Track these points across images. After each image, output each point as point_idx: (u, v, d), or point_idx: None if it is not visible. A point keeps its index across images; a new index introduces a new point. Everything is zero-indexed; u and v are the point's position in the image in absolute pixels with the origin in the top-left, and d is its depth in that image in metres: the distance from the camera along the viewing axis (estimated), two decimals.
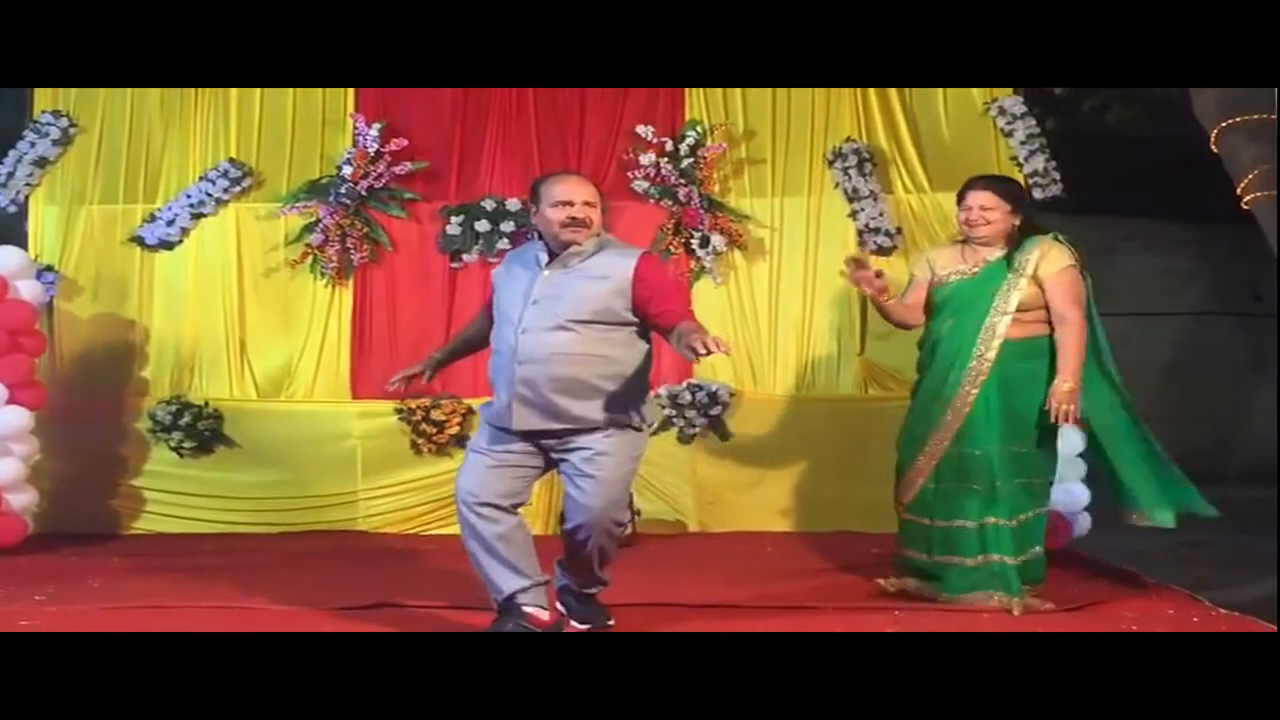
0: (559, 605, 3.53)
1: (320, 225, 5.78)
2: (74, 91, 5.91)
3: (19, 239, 5.69)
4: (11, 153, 5.82)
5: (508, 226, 5.73)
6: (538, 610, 3.32)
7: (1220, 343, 8.37)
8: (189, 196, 5.82)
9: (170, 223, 5.81)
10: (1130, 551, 4.61)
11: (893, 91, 5.89)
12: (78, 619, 3.71)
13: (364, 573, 4.53)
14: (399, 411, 5.53)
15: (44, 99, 5.92)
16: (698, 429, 5.59)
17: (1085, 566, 4.51)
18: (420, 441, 5.55)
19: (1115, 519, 3.98)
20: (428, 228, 5.91)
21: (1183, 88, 5.90)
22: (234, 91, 5.91)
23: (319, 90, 5.90)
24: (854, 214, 5.80)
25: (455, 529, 3.43)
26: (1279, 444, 6.20)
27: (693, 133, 5.82)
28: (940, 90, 5.86)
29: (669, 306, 3.31)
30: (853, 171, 5.78)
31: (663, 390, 5.49)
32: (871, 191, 5.77)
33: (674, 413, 5.54)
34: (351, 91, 5.91)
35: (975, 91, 5.83)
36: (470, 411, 5.50)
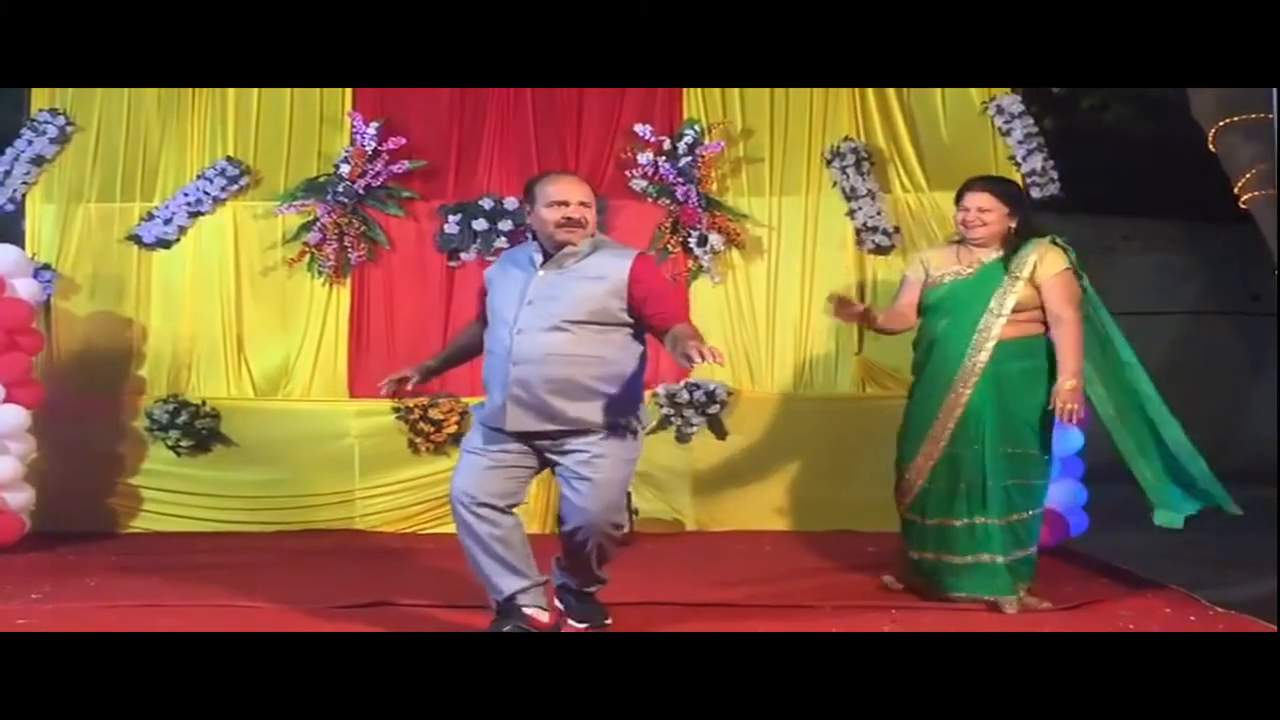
0: (557, 602, 3.53)
1: (318, 224, 5.78)
2: (71, 90, 5.91)
3: (16, 237, 5.70)
4: (9, 151, 5.82)
5: (505, 225, 5.73)
6: (537, 611, 3.32)
7: (1218, 342, 8.37)
8: (186, 195, 5.82)
9: (168, 221, 5.81)
10: (1127, 550, 4.61)
11: (890, 90, 5.90)
12: (74, 617, 3.70)
13: (361, 571, 4.53)
14: (396, 410, 5.53)
15: (41, 97, 5.92)
16: (696, 428, 5.59)
17: (1082, 565, 4.52)
18: (418, 440, 5.55)
19: (1114, 517, 3.99)
20: (425, 226, 5.91)
21: (1181, 87, 5.90)
22: (231, 90, 5.91)
23: (317, 89, 5.90)
24: (852, 213, 5.80)
25: (452, 528, 3.42)
26: (1278, 443, 6.19)
27: (691, 131, 5.82)
28: (938, 89, 5.85)
29: (665, 308, 3.31)
30: (850, 170, 5.78)
31: (661, 389, 5.49)
32: (869, 190, 5.77)
33: (672, 412, 5.53)
34: (349, 90, 5.91)
35: (973, 90, 5.83)
36: (468, 411, 5.50)
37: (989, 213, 3.84)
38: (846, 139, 5.86)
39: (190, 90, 5.89)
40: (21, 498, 5.07)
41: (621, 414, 3.28)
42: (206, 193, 5.82)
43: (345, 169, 5.79)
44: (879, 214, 5.76)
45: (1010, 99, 5.75)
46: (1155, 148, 7.52)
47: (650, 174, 5.80)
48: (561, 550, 3.46)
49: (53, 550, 5.00)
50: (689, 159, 5.78)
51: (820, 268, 5.84)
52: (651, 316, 3.29)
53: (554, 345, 3.21)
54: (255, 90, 5.91)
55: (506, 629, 3.29)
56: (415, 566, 4.66)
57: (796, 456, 5.57)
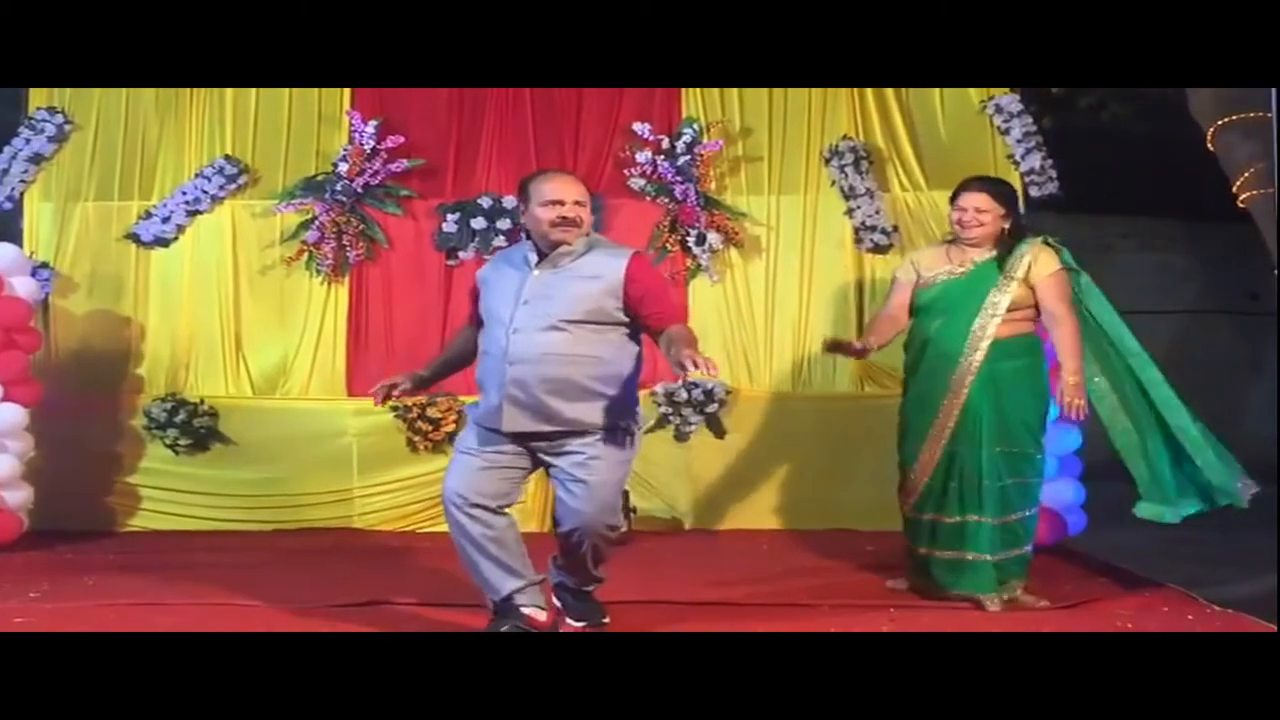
0: (555, 600, 3.52)
1: (316, 222, 5.78)
2: (69, 88, 5.90)
3: (14, 236, 5.69)
4: (6, 149, 5.82)
5: (504, 224, 5.73)
6: (535, 611, 3.31)
7: (1216, 341, 8.38)
8: (184, 193, 5.82)
9: (166, 220, 5.80)
10: (1125, 549, 4.61)
11: (889, 89, 5.89)
12: (72, 616, 3.70)
13: (359, 570, 4.53)
14: (395, 409, 5.51)
15: (39, 96, 5.92)
16: (694, 427, 5.58)
17: (1080, 564, 4.52)
18: (416, 439, 5.55)
19: (1112, 516, 3.99)
20: (424, 225, 5.90)
21: (1179, 87, 5.90)
22: (230, 88, 5.90)
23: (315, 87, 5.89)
24: (850, 212, 5.80)
25: None
26: (1278, 441, 6.19)
27: (689, 130, 5.82)
28: (937, 88, 5.85)
29: (661, 308, 3.30)
30: (849, 169, 5.78)
31: (659, 388, 5.49)
32: (868, 189, 5.77)
33: (670, 410, 5.53)
34: (348, 88, 5.90)
35: (972, 89, 5.83)
36: (465, 410, 5.50)
37: (986, 213, 3.86)
38: (845, 138, 5.86)
39: (188, 89, 5.89)
40: (19, 496, 5.06)
41: (617, 415, 3.26)
42: (205, 191, 5.82)
43: (343, 167, 5.79)
44: (877, 213, 5.76)
45: (1008, 98, 5.74)
46: (1154, 147, 7.53)
47: (649, 173, 5.80)
48: (558, 549, 3.45)
49: (51, 549, 5.00)
50: (687, 158, 5.78)
51: (819, 266, 5.84)
52: (647, 316, 3.28)
53: (551, 345, 3.19)
54: (253, 89, 5.90)
55: (505, 629, 3.28)
56: (413, 565, 4.66)
57: (795, 455, 5.57)
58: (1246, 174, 5.70)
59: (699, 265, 5.81)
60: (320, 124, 5.95)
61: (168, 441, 5.57)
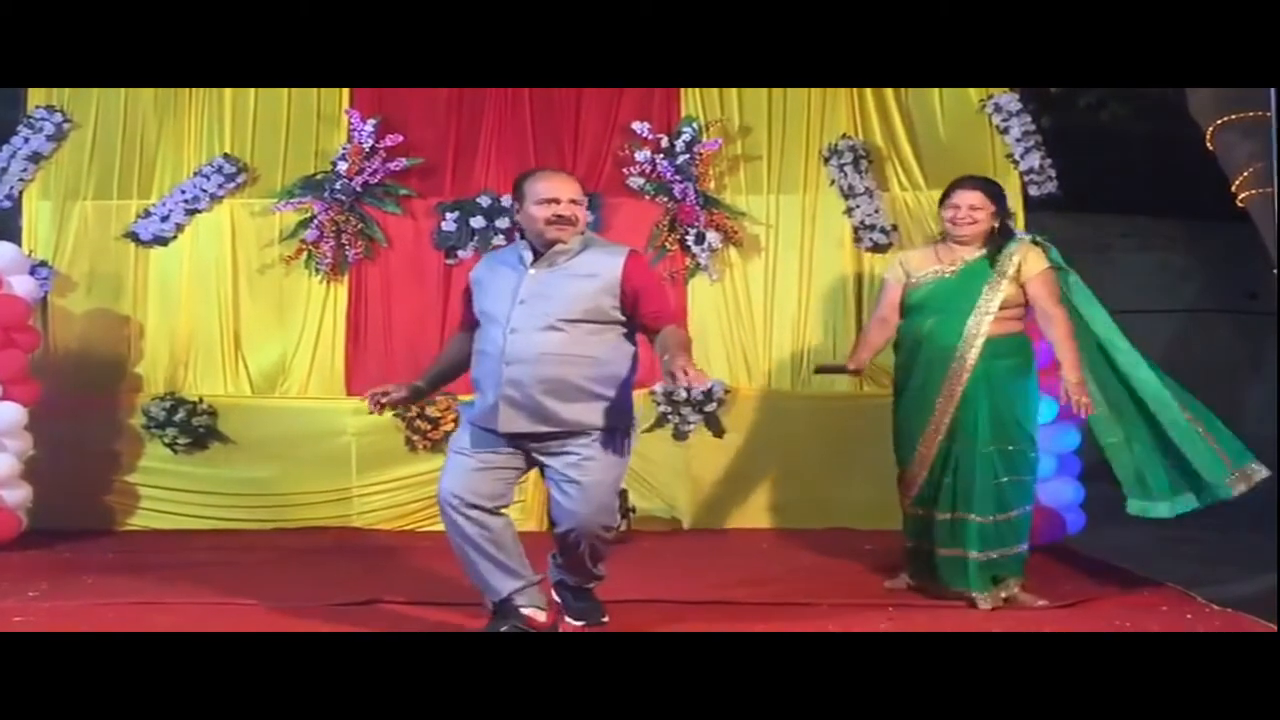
0: (555, 596, 3.52)
1: (315, 221, 5.78)
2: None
3: (13, 234, 5.69)
4: (5, 148, 5.81)
5: (503, 223, 5.73)
6: (535, 611, 3.31)
7: (1215, 340, 8.38)
8: (183, 192, 5.82)
9: (165, 218, 5.80)
10: (1124, 548, 4.62)
11: (888, 89, 5.89)
12: (71, 615, 3.70)
13: (359, 569, 4.53)
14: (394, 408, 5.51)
15: (38, 94, 5.91)
16: (693, 426, 5.58)
17: (1079, 562, 4.52)
18: (415, 438, 5.55)
19: (1110, 515, 4.00)
20: (423, 224, 5.90)
21: (1179, 87, 5.90)
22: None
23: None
24: (849, 211, 5.80)
25: None
26: (1278, 441, 6.18)
27: (688, 129, 5.82)
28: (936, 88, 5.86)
29: (658, 307, 3.30)
30: (848, 168, 5.78)
31: (658, 387, 5.49)
32: (867, 188, 5.77)
33: (669, 410, 5.53)
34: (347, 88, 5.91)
35: (971, 89, 5.82)
36: None
37: (979, 210, 3.89)
38: (844, 137, 5.86)
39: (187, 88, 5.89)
40: (18, 495, 5.06)
41: (613, 417, 3.25)
42: (204, 190, 5.82)
43: (342, 166, 5.79)
44: (876, 212, 5.76)
45: (1008, 97, 5.74)
46: (1153, 146, 7.53)
47: (648, 171, 5.80)
48: (556, 548, 3.45)
49: (50, 548, 5.00)
50: (687, 156, 5.78)
51: (818, 265, 5.84)
52: (644, 315, 3.27)
53: (548, 345, 3.18)
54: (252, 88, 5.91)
55: (504, 629, 3.28)
56: (412, 564, 4.65)
57: (794, 454, 5.57)
58: (1245, 173, 5.70)
59: (698, 264, 5.81)
60: (319, 123, 5.95)
61: (166, 440, 5.57)
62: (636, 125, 5.81)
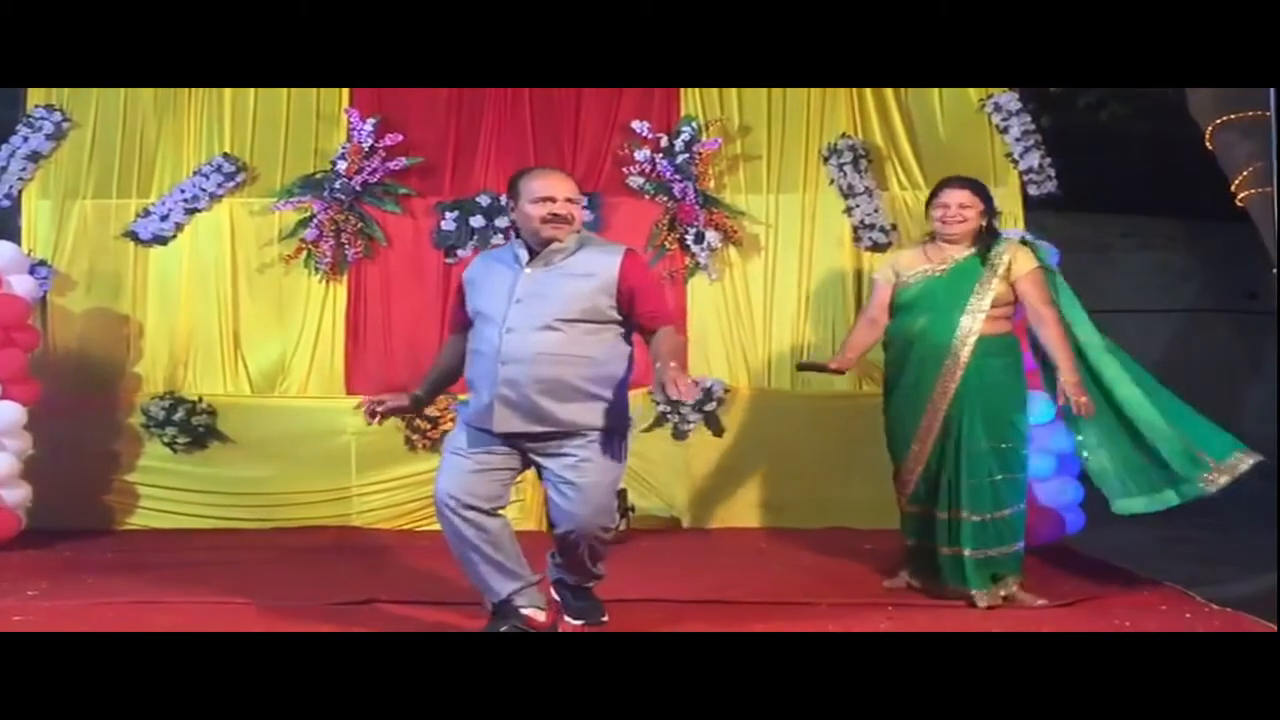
0: (554, 594, 3.52)
1: (314, 220, 5.77)
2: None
3: (12, 234, 5.69)
4: (4, 147, 5.81)
5: (502, 222, 5.72)
6: (534, 611, 3.31)
7: (1215, 340, 8.38)
8: (183, 191, 5.82)
9: (164, 218, 5.80)
10: (1124, 548, 4.62)
11: (888, 88, 5.89)
12: (71, 615, 3.70)
13: (358, 568, 4.53)
14: None
15: (37, 93, 5.91)
16: (692, 425, 5.58)
17: (1078, 562, 4.53)
18: (414, 437, 5.55)
19: (1110, 514, 4.01)
20: (422, 223, 5.90)
21: (1178, 87, 5.90)
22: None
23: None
24: (849, 210, 5.80)
25: None
26: (1278, 441, 6.19)
27: (688, 128, 5.82)
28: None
29: (654, 307, 3.30)
30: (848, 168, 5.78)
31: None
32: (866, 188, 5.77)
33: (668, 409, 5.53)
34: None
35: (970, 88, 5.82)
36: None
37: (969, 209, 3.92)
38: (844, 136, 5.86)
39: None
40: (18, 494, 5.06)
41: (609, 417, 3.24)
42: (203, 189, 5.81)
43: (342, 165, 5.79)
44: (876, 211, 5.76)
45: (1007, 96, 5.74)
46: (1153, 146, 7.53)
47: (647, 171, 5.80)
48: (556, 548, 3.44)
49: (49, 547, 5.00)
50: (686, 156, 5.78)
51: (817, 265, 5.84)
52: (640, 314, 3.27)
53: (544, 345, 3.16)
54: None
55: (504, 629, 3.28)
56: (412, 563, 4.65)
57: (793, 454, 5.57)
58: (1245, 173, 5.70)
59: (698, 263, 5.81)
60: (319, 122, 5.95)
61: (166, 439, 5.56)
62: (636, 124, 5.81)
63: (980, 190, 3.99)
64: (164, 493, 5.61)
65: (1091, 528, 4.82)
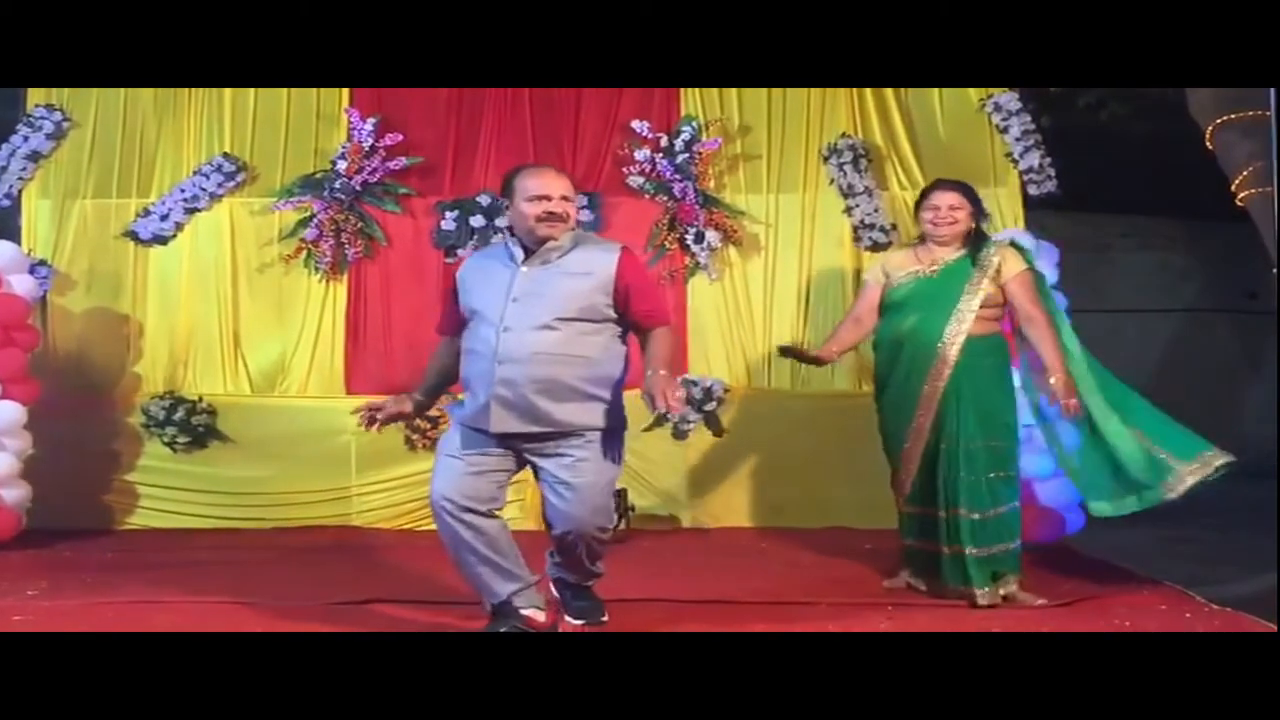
0: (553, 590, 3.52)
1: (314, 220, 5.78)
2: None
3: (12, 233, 5.69)
4: (5, 146, 5.81)
5: (503, 222, 5.69)
6: (534, 612, 3.30)
7: (1215, 340, 8.39)
8: (183, 191, 5.82)
9: (164, 217, 5.80)
10: (1124, 547, 4.62)
11: (888, 88, 5.89)
12: (71, 614, 3.70)
13: (358, 568, 4.53)
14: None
15: (38, 93, 5.91)
16: (692, 425, 5.59)
17: (1078, 562, 4.53)
18: (414, 437, 5.55)
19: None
20: (422, 223, 5.90)
21: (1178, 87, 5.90)
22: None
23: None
24: (849, 210, 5.81)
25: None
26: (1278, 440, 6.19)
27: (688, 128, 5.82)
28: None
29: (651, 306, 3.30)
30: (848, 167, 5.78)
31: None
32: (866, 188, 5.77)
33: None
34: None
35: (970, 88, 5.82)
36: None
37: (959, 210, 3.95)
38: (844, 136, 5.86)
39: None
40: (18, 494, 5.06)
41: (605, 417, 3.23)
42: (203, 189, 5.82)
43: (342, 165, 5.79)
44: (876, 211, 5.76)
45: (1007, 96, 5.74)
46: (1153, 146, 7.53)
47: (648, 171, 5.80)
48: (554, 548, 3.43)
49: (49, 547, 5.00)
50: (686, 156, 5.78)
51: (817, 264, 5.85)
52: (636, 313, 3.27)
53: (542, 344, 3.15)
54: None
55: (504, 630, 3.27)
56: (412, 563, 4.65)
57: (793, 453, 5.57)
58: (1245, 173, 5.70)
59: (698, 263, 5.81)
60: (319, 122, 5.95)
61: (166, 439, 5.57)
62: (636, 124, 5.81)
63: (969, 192, 4.02)
64: (164, 493, 5.61)
65: (1091, 528, 4.82)
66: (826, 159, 5.86)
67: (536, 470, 3.30)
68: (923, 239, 4.06)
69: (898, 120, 5.90)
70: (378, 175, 5.82)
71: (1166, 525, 3.98)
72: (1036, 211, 5.90)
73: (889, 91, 5.91)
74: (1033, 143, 5.69)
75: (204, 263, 5.87)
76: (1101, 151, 7.47)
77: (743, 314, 5.86)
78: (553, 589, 3.52)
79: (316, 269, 5.82)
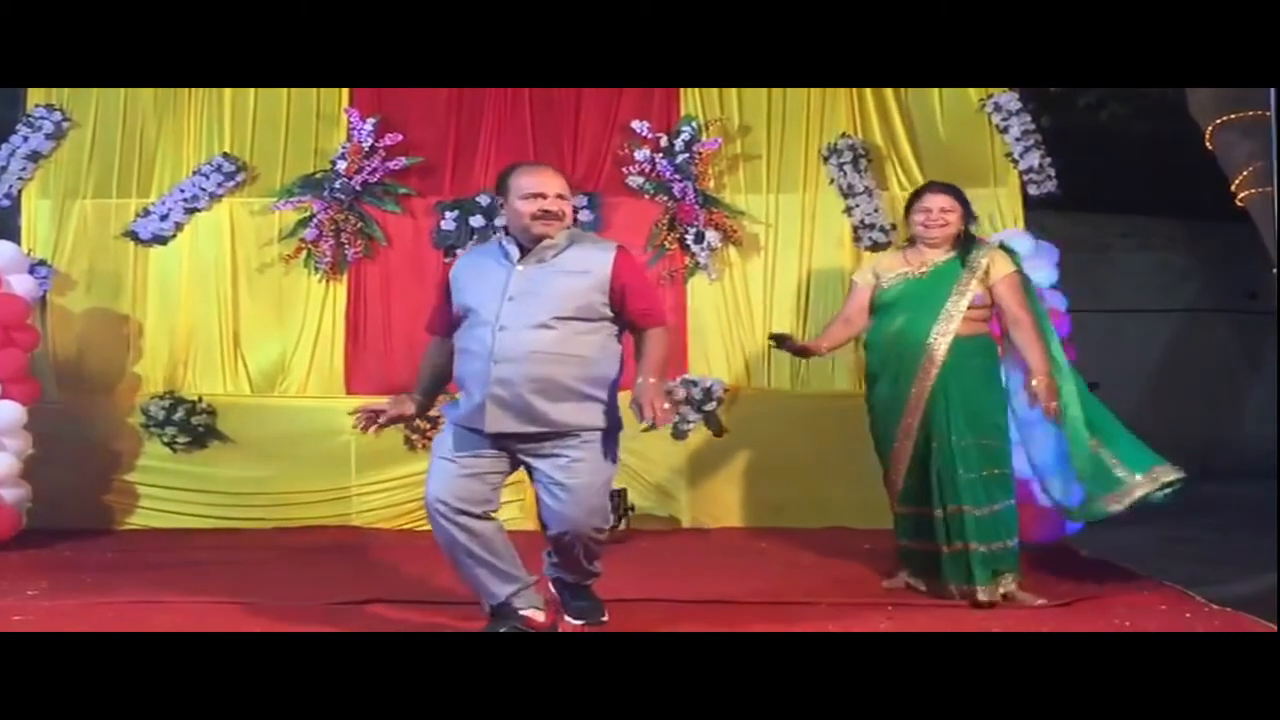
0: (551, 588, 3.51)
1: (314, 220, 5.78)
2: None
3: (12, 233, 5.70)
4: (4, 146, 5.82)
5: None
6: (533, 612, 3.29)
7: (1215, 340, 8.38)
8: (182, 191, 5.82)
9: (164, 217, 5.80)
10: (1124, 547, 4.62)
11: (888, 88, 5.89)
12: (71, 614, 3.70)
13: (358, 568, 4.53)
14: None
15: (37, 93, 5.92)
16: (692, 425, 5.58)
17: (1078, 562, 4.53)
18: (414, 437, 5.55)
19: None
20: (422, 223, 5.90)
21: (1178, 87, 5.90)
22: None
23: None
24: (849, 210, 5.81)
25: None
26: (1278, 440, 6.20)
27: (688, 128, 5.82)
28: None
29: (646, 305, 3.30)
30: (848, 167, 5.78)
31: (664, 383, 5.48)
32: (866, 188, 5.77)
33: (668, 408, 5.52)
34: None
35: (970, 88, 5.83)
36: None
37: (950, 213, 3.99)
38: (844, 136, 5.87)
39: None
40: (17, 494, 5.06)
41: (600, 418, 3.23)
42: (203, 189, 5.82)
43: (342, 165, 5.79)
44: (876, 211, 5.76)
45: (1007, 96, 5.75)
46: (1153, 146, 7.53)
47: (647, 171, 5.80)
48: (551, 548, 3.43)
49: (49, 547, 4.99)
50: (686, 156, 5.78)
51: (817, 264, 5.85)
52: (632, 312, 3.26)
53: (538, 343, 3.14)
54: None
55: (503, 630, 3.27)
56: (412, 563, 4.64)
57: (792, 453, 5.56)
58: (1245, 173, 5.69)
59: (697, 263, 5.81)
60: (319, 121, 5.95)
61: (166, 439, 5.57)
62: (636, 124, 5.82)
63: (959, 195, 4.06)
64: (164, 493, 5.61)
65: (1091, 528, 4.81)
66: (826, 159, 5.86)
67: (531, 471, 3.29)
68: (912, 241, 4.09)
69: (898, 120, 5.91)
70: (378, 175, 5.82)
71: (1166, 525, 3.98)
72: (1036, 211, 5.90)
73: (889, 91, 5.91)
74: (1033, 143, 5.69)
75: (204, 263, 5.88)
76: (1101, 151, 7.47)
77: (742, 314, 5.86)
78: (552, 589, 3.52)
79: (316, 269, 5.82)
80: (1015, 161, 5.71)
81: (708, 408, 5.57)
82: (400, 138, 5.81)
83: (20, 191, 5.84)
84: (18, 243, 5.58)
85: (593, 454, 3.21)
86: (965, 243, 4.01)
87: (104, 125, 5.92)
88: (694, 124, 5.85)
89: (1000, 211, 5.68)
